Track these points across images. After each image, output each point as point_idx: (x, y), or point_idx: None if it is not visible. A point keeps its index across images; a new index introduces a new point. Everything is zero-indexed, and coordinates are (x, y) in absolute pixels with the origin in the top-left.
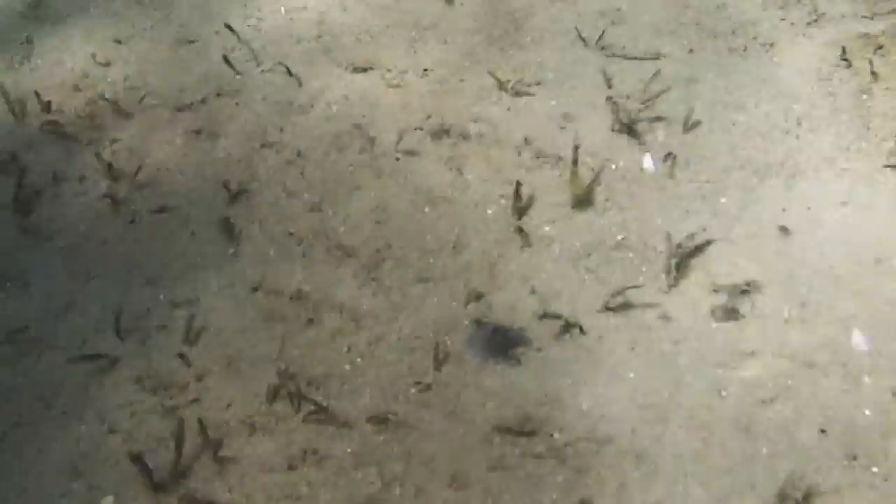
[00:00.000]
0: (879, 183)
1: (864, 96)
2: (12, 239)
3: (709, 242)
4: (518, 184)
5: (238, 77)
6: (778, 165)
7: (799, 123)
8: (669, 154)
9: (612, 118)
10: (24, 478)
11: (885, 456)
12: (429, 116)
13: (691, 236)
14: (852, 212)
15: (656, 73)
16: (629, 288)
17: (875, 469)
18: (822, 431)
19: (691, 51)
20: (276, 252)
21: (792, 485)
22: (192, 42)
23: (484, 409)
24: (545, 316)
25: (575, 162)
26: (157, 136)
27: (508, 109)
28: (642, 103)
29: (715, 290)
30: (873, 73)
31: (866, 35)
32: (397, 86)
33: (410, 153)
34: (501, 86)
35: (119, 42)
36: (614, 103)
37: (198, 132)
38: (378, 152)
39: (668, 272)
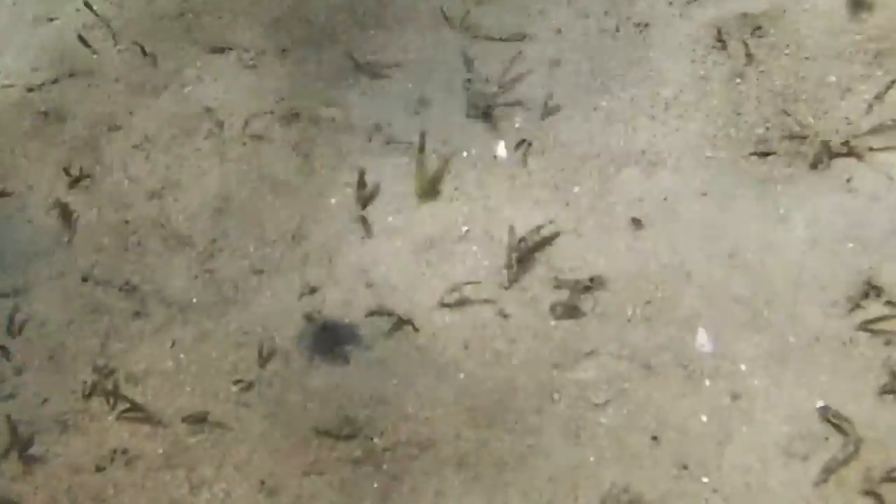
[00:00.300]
0: (744, 172)
1: (738, 80)
2: None
3: (556, 235)
4: (362, 172)
5: (94, 57)
6: (638, 153)
7: (666, 109)
8: (524, 141)
9: (468, 103)
10: None
11: (718, 465)
12: (281, 99)
13: (537, 229)
14: (711, 203)
15: (517, 55)
16: (467, 283)
17: (705, 479)
18: (654, 438)
19: (559, 31)
20: (110, 241)
21: (614, 496)
22: (52, 20)
23: (305, 411)
24: (376, 312)
25: (421, 150)
26: (3, 117)
27: (364, 93)
28: (500, 87)
29: (557, 287)
30: (748, 56)
31: (745, 15)
32: (253, 67)
33: (258, 138)
34: (359, 68)
35: None
36: (470, 87)
37: (46, 114)
38: (226, 137)
39: (509, 267)
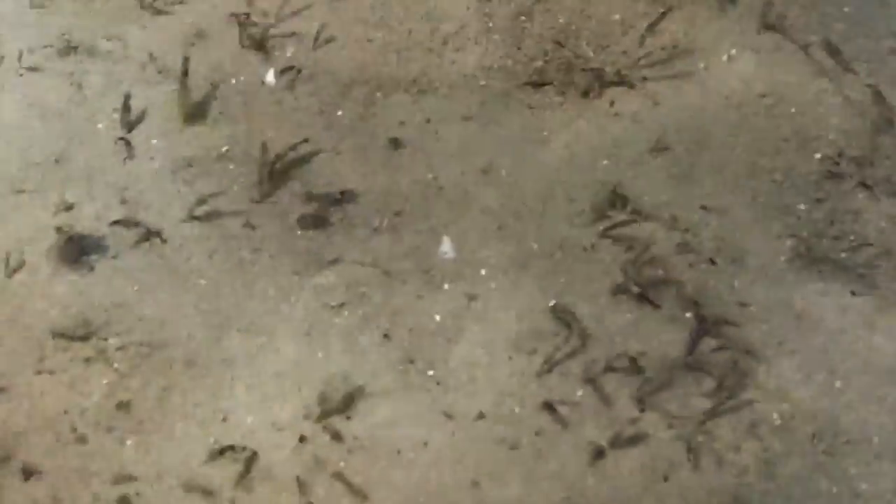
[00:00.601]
0: (516, 100)
1: (523, 17)
2: None
3: (314, 154)
4: (127, 96)
5: None
6: (409, 82)
7: (444, 43)
8: (293, 68)
9: (242, 34)
10: None
11: (445, 360)
12: (63, 34)
13: (294, 147)
14: (474, 126)
15: None
16: (215, 195)
17: (431, 372)
18: (385, 336)
19: None
20: None
21: (335, 387)
22: None
23: (46, 316)
24: (120, 222)
25: (185, 74)
26: None
27: (144, 28)
28: (278, 19)
29: (308, 200)
30: None
31: None
32: (41, 6)
33: (34, 69)
34: (143, 5)
35: None
36: (248, 20)
37: None
38: (2, 70)
39: (260, 182)
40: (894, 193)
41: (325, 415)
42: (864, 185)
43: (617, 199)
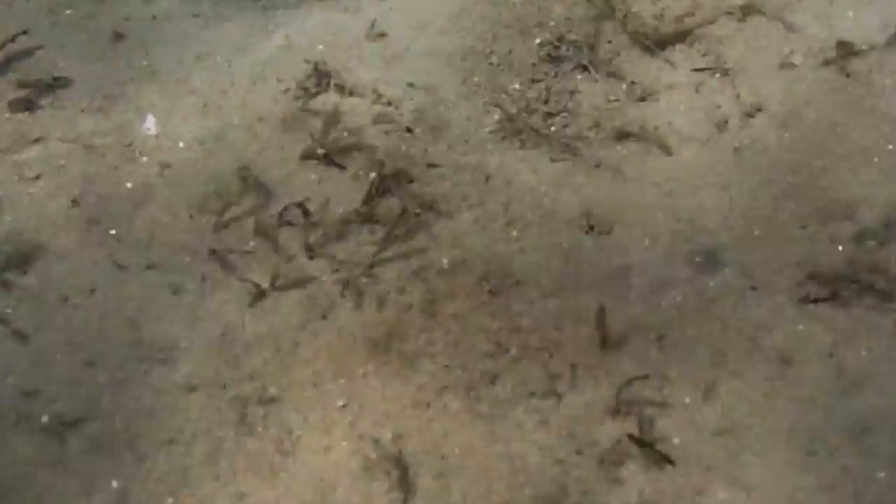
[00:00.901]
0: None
1: None
2: None
3: (36, 48)
4: None
5: None
6: None
7: None
8: None
9: None
10: None
11: (130, 221)
12: None
13: (13, 39)
14: (200, 22)
15: None
16: None
17: (113, 231)
18: (74, 202)
19: None
20: None
21: (12, 243)
22: None
23: None
24: None
25: None
26: None
27: None
28: None
29: (22, 87)
30: None
31: None
32: None
33: None
34: None
35: None
36: None
37: None
38: None
39: None
40: (614, 74)
41: None
42: (582, 66)
43: (322, 77)
